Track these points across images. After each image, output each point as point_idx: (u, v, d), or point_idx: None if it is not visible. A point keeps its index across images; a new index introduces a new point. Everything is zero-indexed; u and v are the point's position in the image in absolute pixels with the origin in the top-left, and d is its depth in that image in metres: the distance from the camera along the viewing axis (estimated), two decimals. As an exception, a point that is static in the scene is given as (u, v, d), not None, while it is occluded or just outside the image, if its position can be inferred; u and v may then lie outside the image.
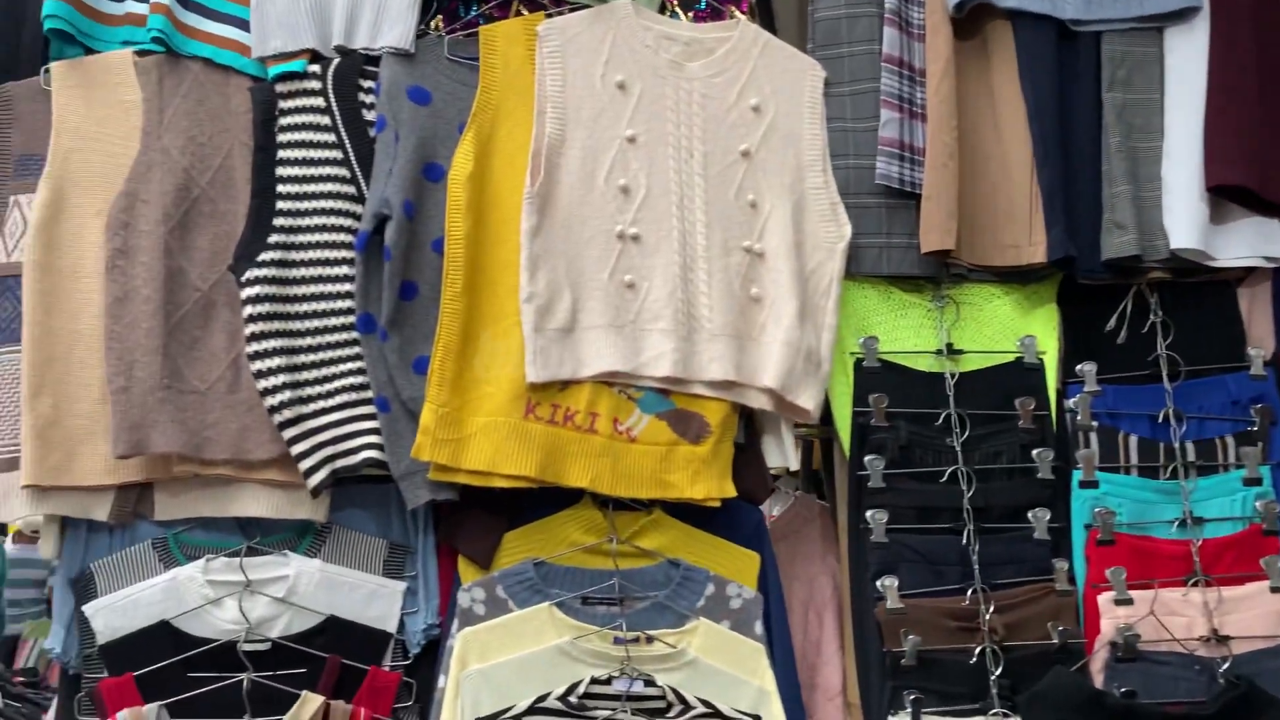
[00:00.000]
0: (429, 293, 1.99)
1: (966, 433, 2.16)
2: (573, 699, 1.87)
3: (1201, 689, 2.05)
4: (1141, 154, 2.21)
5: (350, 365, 2.00)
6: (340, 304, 2.01)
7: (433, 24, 2.15)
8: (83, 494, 1.97)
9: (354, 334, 2.00)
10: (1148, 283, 2.24)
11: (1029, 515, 2.13)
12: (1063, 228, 2.14)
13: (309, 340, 1.99)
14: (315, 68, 2.08)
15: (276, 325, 1.96)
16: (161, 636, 1.93)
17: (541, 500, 2.03)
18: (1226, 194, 2.16)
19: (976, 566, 2.09)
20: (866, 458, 2.13)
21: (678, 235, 2.05)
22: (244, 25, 2.09)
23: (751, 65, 2.17)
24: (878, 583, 2.07)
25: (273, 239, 1.99)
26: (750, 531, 2.11)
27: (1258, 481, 2.16)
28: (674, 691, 1.90)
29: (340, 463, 1.95)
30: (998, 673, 2.04)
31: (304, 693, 1.92)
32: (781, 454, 2.13)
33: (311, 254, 2.02)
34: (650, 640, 1.95)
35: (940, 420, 2.17)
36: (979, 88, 2.25)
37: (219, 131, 2.06)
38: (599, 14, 2.12)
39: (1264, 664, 2.06)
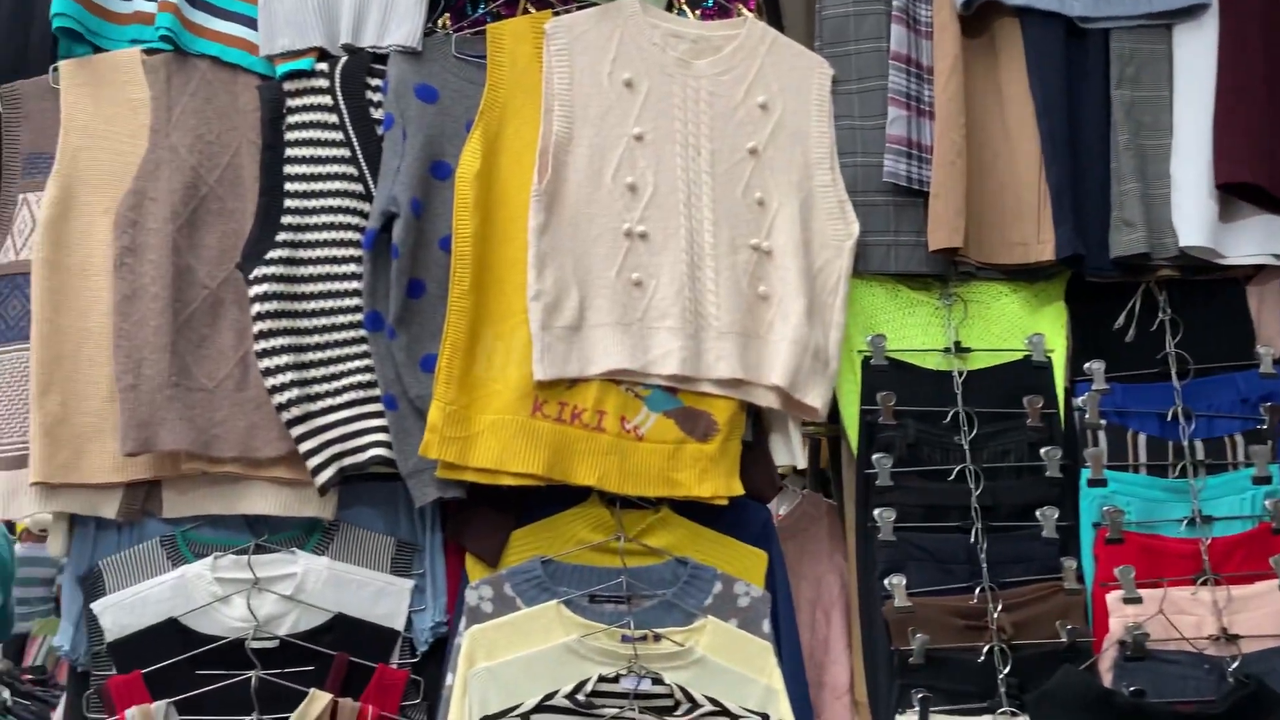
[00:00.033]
0: (436, 291, 1.99)
1: (974, 431, 2.16)
2: (580, 697, 1.87)
3: (1211, 688, 2.04)
4: (1150, 151, 2.20)
5: (358, 363, 2.00)
6: (348, 302, 2.02)
7: (440, 22, 2.15)
8: (91, 491, 1.97)
9: (361, 332, 2.00)
10: (1156, 280, 2.24)
11: (1037, 514, 2.13)
12: (1071, 225, 2.13)
13: (317, 338, 1.99)
14: (323, 66, 2.08)
15: (284, 323, 1.96)
16: (170, 634, 1.93)
17: (549, 498, 2.03)
18: (1236, 191, 2.16)
19: (984, 565, 2.08)
20: (874, 456, 2.12)
21: (685, 233, 2.05)
22: (252, 23, 2.09)
23: (759, 63, 2.16)
24: (885, 581, 2.07)
25: (281, 237, 1.99)
26: (758, 530, 2.11)
27: (1267, 480, 2.16)
28: (682, 690, 1.90)
29: (348, 460, 1.95)
30: (1006, 671, 2.03)
31: (312, 690, 1.92)
32: (789, 452, 2.13)
33: (319, 252, 2.02)
34: (658, 638, 1.95)
35: (948, 418, 2.17)
36: (987, 85, 2.24)
37: (227, 130, 2.06)
38: (606, 12, 2.12)
39: (1274, 663, 2.05)
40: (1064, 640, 2.07)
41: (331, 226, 2.03)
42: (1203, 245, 2.15)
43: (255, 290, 1.95)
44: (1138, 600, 2.08)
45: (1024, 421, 2.17)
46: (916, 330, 2.22)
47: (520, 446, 1.94)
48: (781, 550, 2.14)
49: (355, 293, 2.01)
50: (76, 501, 1.98)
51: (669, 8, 2.21)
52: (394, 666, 1.99)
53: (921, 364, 2.20)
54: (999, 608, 2.05)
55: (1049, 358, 2.21)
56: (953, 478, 2.13)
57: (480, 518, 2.02)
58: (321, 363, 1.98)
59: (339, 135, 2.06)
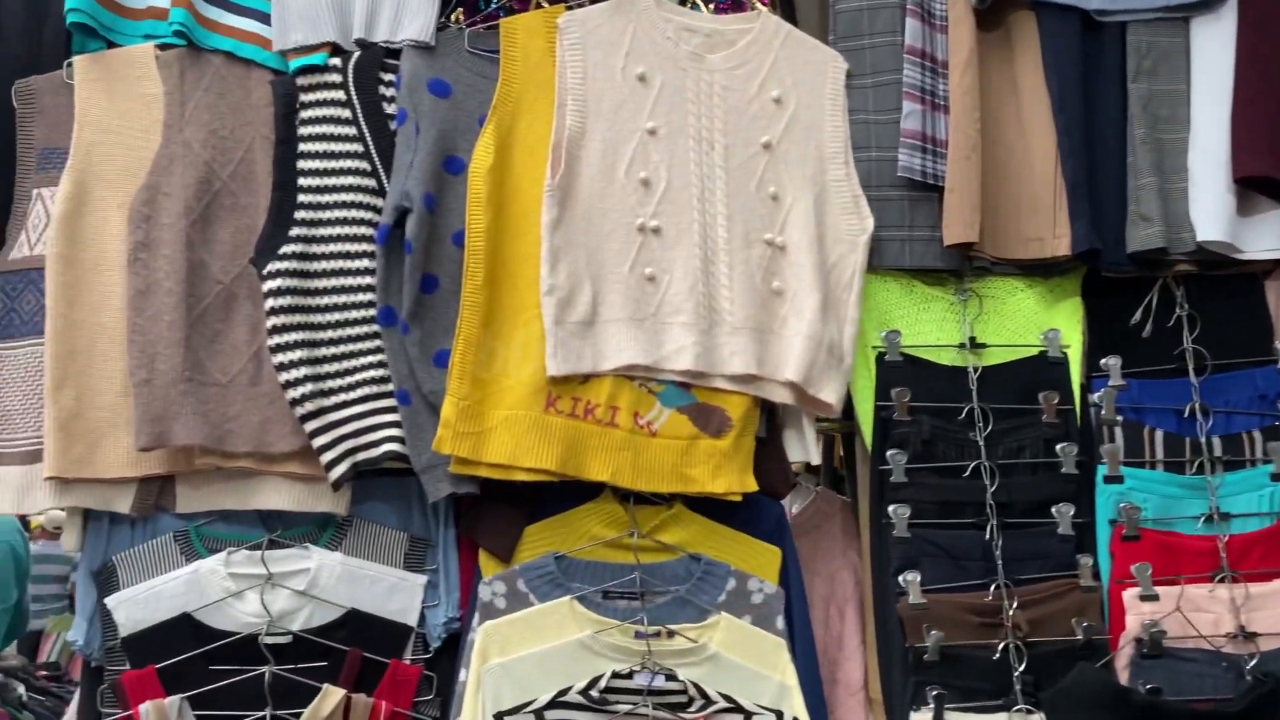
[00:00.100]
0: (450, 286, 1.99)
1: (989, 427, 2.15)
2: (594, 693, 1.87)
3: (1228, 686, 2.03)
4: (1167, 145, 2.19)
5: (371, 358, 2.00)
6: (361, 297, 2.01)
7: (453, 17, 2.15)
8: (105, 486, 1.98)
9: (375, 327, 2.00)
10: (1173, 275, 2.23)
11: (1053, 510, 2.11)
12: (1087, 220, 2.12)
13: (330, 333, 1.99)
14: (336, 61, 2.08)
15: (298, 318, 1.96)
16: (183, 629, 1.93)
17: (562, 494, 2.02)
18: (1254, 185, 2.15)
19: (1000, 562, 2.07)
20: (889, 452, 2.11)
21: (698, 228, 2.04)
22: (265, 18, 2.10)
23: (773, 57, 2.16)
24: (900, 578, 2.06)
25: (294, 232, 1.99)
26: (771, 526, 2.10)
27: (1285, 476, 2.14)
28: (695, 686, 1.89)
29: (361, 455, 1.95)
30: (1021, 669, 2.02)
31: (325, 686, 1.92)
32: (803, 448, 2.12)
33: (332, 247, 2.02)
34: (671, 635, 1.95)
35: (963, 415, 2.16)
36: (1002, 79, 2.23)
37: (240, 125, 2.06)
38: (619, 6, 2.11)
39: (1292, 661, 2.04)
40: (1080, 638, 2.06)
41: (345, 221, 2.03)
42: (1220, 240, 2.14)
43: (269, 285, 1.95)
44: (1154, 597, 2.07)
45: (1040, 418, 2.16)
46: (931, 326, 2.21)
47: (533, 442, 1.93)
48: (795, 546, 2.13)
49: (368, 288, 2.01)
50: (91, 496, 1.98)
51: (682, 2, 2.21)
52: (407, 662, 1.99)
53: (936, 360, 2.19)
54: (1014, 605, 2.04)
55: (1065, 353, 2.19)
56: (968, 474, 2.12)
57: (493, 513, 2.01)
58: (335, 358, 1.98)
59: (352, 130, 2.06)
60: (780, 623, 2.01)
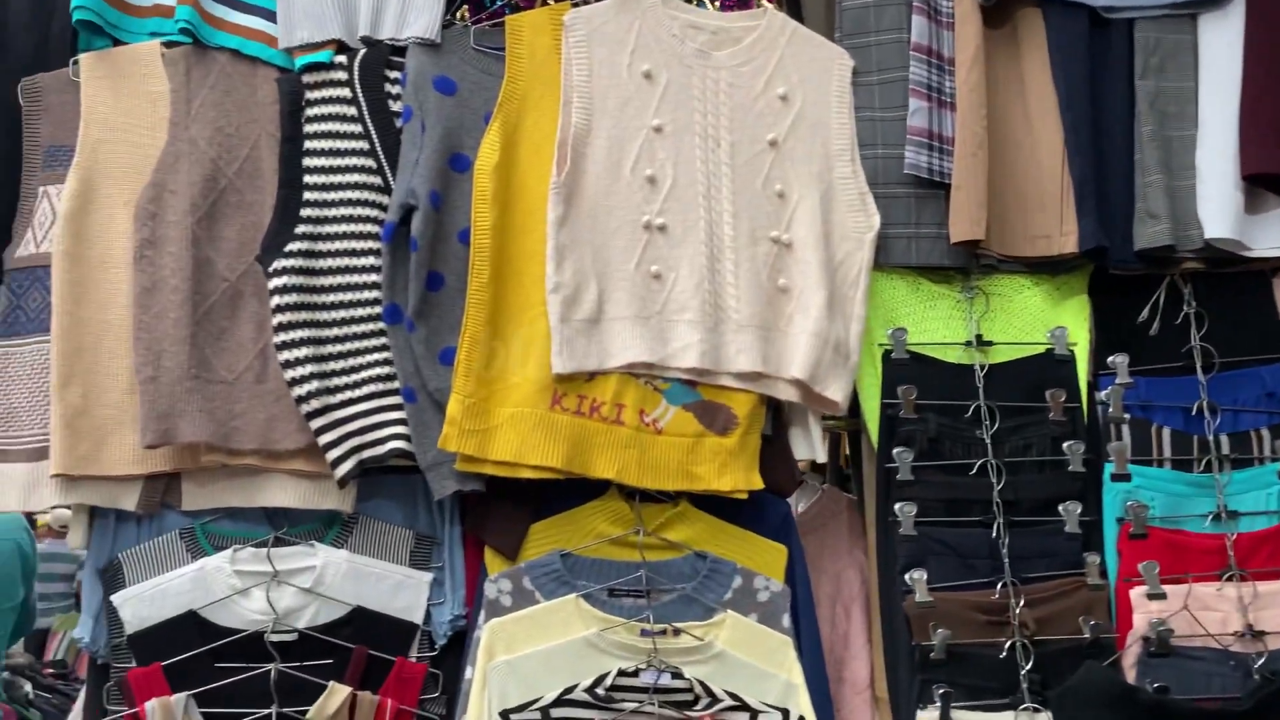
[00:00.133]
0: (455, 283, 1.99)
1: (996, 425, 2.14)
2: (600, 691, 1.87)
3: (1236, 685, 2.03)
4: (1175, 142, 2.18)
5: (377, 356, 2.00)
6: (367, 294, 2.01)
7: (459, 14, 2.15)
8: (111, 484, 1.98)
9: (381, 324, 2.00)
10: (1181, 273, 2.22)
11: (1060, 508, 2.11)
12: (1094, 218, 2.12)
13: (336, 331, 1.99)
14: (342, 58, 2.08)
15: (304, 316, 1.96)
16: (189, 626, 1.93)
17: (568, 491, 2.02)
18: (1262, 182, 2.14)
19: (1006, 560, 2.07)
20: (895, 450, 2.11)
21: (704, 225, 2.04)
22: (271, 16, 2.10)
23: (779, 54, 2.15)
24: (906, 576, 2.06)
25: (300, 229, 1.99)
26: (777, 524, 2.10)
27: (1293, 474, 2.14)
28: (701, 684, 1.89)
29: (367, 453, 1.95)
30: (1028, 667, 2.02)
31: (331, 683, 1.92)
32: (809, 446, 2.12)
33: (338, 244, 2.02)
34: (677, 633, 1.94)
35: (970, 412, 2.15)
36: (1009, 76, 2.23)
37: (246, 122, 2.06)
38: (625, 3, 2.11)
39: (1300, 659, 2.03)
40: (1087, 636, 2.05)
41: (350, 219, 2.03)
42: (1228, 237, 2.13)
43: (274, 283, 1.95)
44: (1162, 596, 2.06)
45: (1046, 415, 2.15)
46: (938, 323, 2.21)
47: (539, 439, 1.93)
48: (801, 545, 2.13)
49: (374, 285, 2.01)
50: (96, 493, 1.98)
51: (688, -1, 2.20)
52: (413, 660, 1.99)
53: (943, 357, 2.18)
54: (1021, 603, 2.04)
55: (1072, 351, 2.19)
56: (974, 472, 2.12)
57: (499, 511, 2.01)
58: (341, 355, 1.98)
59: (358, 128, 2.06)
60: (786, 621, 2.01)
